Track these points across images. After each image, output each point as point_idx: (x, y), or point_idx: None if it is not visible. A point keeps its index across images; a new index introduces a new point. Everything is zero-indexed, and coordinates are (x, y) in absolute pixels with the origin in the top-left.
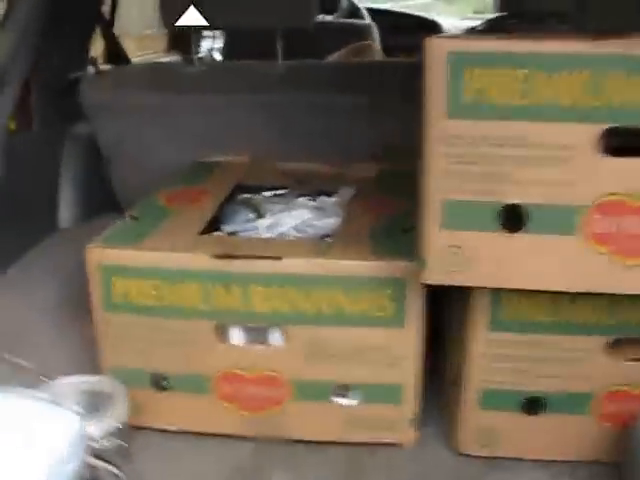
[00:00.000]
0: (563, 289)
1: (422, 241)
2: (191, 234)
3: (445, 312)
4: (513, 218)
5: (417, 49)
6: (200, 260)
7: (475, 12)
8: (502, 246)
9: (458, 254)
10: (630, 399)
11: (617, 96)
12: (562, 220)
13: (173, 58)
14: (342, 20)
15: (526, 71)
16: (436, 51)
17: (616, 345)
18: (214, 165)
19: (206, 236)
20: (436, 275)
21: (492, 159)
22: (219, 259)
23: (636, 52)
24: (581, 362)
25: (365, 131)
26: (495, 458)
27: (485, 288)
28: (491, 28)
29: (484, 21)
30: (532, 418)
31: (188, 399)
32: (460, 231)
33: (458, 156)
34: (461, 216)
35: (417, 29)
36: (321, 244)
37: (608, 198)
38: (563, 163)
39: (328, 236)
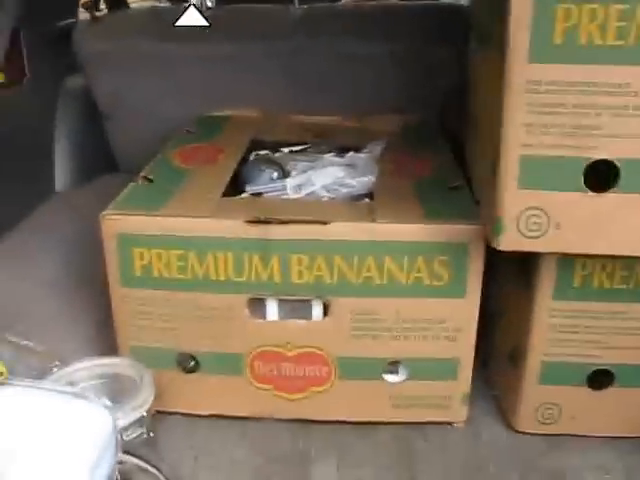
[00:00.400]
0: None
1: (497, 202)
2: (214, 197)
3: (493, 278)
4: (602, 176)
5: None
6: (233, 226)
7: None
8: (589, 208)
9: (539, 217)
10: None
11: None
12: None
13: (162, 3)
14: None
15: (625, 6)
16: None
17: None
18: (223, 119)
19: (231, 199)
20: (514, 241)
21: (581, 109)
22: (255, 225)
23: None
24: None
25: (388, 82)
26: (557, 436)
27: (554, 253)
28: None
29: None
30: (598, 392)
31: (219, 381)
32: (541, 191)
33: (541, 105)
34: (543, 174)
35: None
36: (367, 206)
37: None
38: None
39: (365, 196)
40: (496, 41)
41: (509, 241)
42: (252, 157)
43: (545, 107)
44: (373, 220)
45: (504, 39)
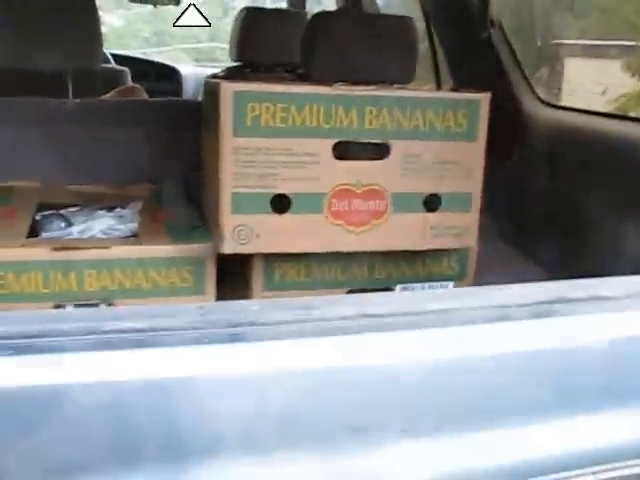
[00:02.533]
0: (316, 251)
1: (219, 223)
2: (20, 238)
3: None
4: (282, 204)
5: (159, 93)
6: (41, 252)
7: (196, 60)
8: (275, 224)
9: (245, 231)
10: None
11: (341, 121)
12: (313, 203)
13: None
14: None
15: (284, 104)
16: (226, 91)
17: None
18: (9, 189)
19: (34, 239)
20: (231, 247)
21: (266, 163)
22: (58, 251)
23: (352, 93)
24: None
25: (142, 159)
26: None
27: (260, 257)
28: (231, 75)
29: (225, 69)
30: None
31: None
32: (245, 215)
33: (243, 162)
34: (246, 204)
35: (158, 75)
36: (135, 239)
37: (341, 187)
38: (311, 165)
39: (133, 236)
40: (214, 125)
41: (228, 248)
42: (41, 215)
43: (244, 163)
44: (140, 244)
45: (218, 123)
